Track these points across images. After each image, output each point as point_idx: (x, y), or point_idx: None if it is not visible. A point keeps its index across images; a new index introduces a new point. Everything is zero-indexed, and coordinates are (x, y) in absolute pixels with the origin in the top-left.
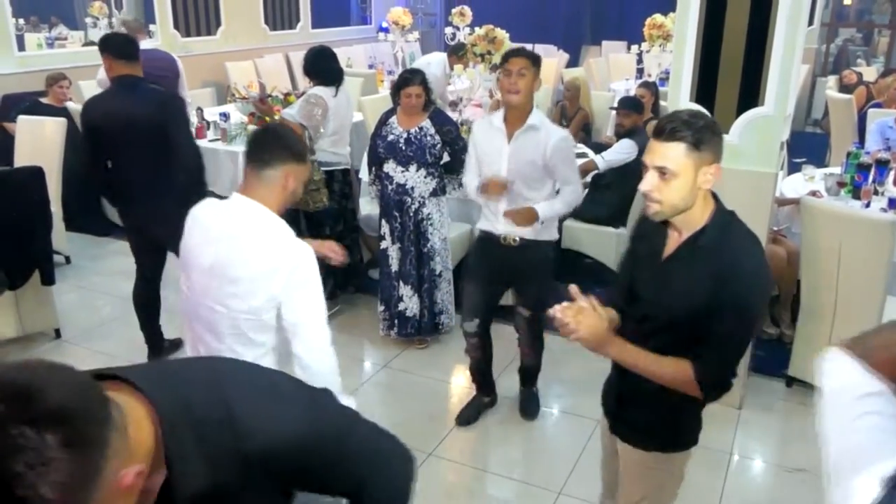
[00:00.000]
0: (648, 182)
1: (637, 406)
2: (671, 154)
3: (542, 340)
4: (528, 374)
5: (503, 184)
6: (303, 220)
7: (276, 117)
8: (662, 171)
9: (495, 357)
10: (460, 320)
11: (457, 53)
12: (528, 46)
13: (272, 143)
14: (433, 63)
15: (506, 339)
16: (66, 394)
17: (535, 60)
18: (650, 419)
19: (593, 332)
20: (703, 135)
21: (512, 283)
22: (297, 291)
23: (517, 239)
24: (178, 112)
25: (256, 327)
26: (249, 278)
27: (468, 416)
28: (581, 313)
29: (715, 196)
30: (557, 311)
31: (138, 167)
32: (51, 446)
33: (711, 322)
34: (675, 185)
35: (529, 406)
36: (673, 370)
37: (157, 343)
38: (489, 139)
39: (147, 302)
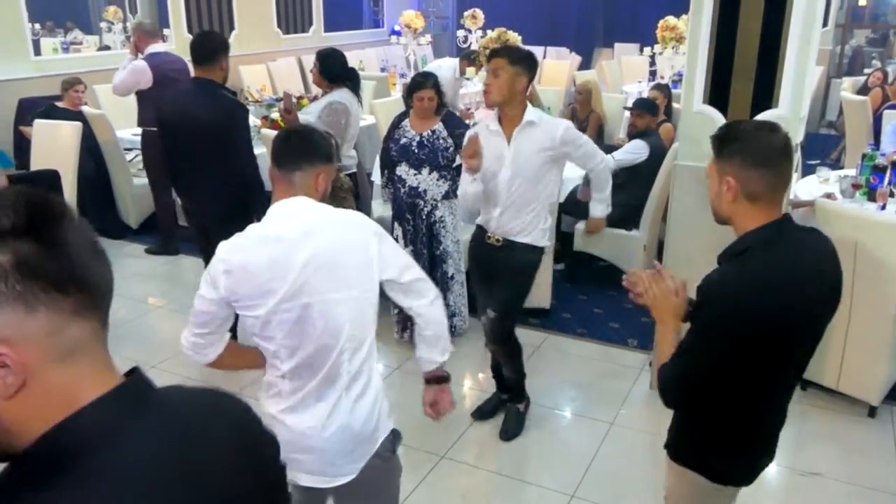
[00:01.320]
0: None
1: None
2: (711, 156)
3: (513, 347)
4: (509, 387)
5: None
6: None
7: None
8: (707, 171)
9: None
10: (479, 316)
11: (469, 58)
12: (541, 49)
13: (300, 145)
14: (444, 67)
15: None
16: None
17: (516, 59)
18: (672, 422)
19: (659, 301)
20: (721, 146)
21: (491, 280)
22: (390, 251)
23: (500, 240)
24: (242, 120)
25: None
26: (354, 261)
27: (484, 410)
28: (655, 281)
29: (780, 218)
30: (633, 272)
31: (199, 167)
32: None
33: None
34: (710, 187)
35: (509, 425)
36: (668, 348)
37: None
38: (489, 144)
39: None
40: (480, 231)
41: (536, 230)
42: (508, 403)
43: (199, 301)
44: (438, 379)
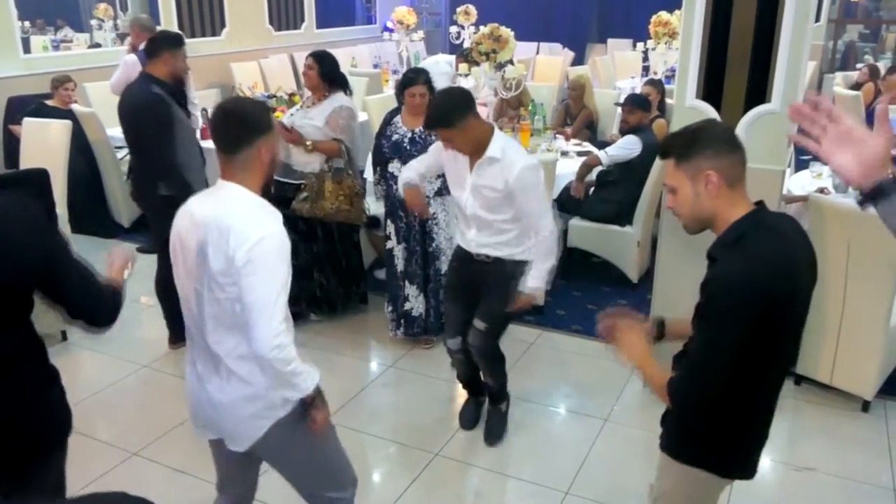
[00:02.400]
0: (668, 200)
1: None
2: (667, 170)
3: (497, 361)
4: (492, 395)
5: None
6: (300, 224)
7: (308, 144)
8: (668, 188)
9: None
10: (446, 339)
11: (464, 55)
12: (533, 45)
13: (235, 124)
14: (441, 62)
15: (510, 338)
16: None
17: (449, 122)
18: (669, 422)
19: (631, 352)
20: (688, 148)
21: (479, 293)
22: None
23: (489, 256)
24: (154, 115)
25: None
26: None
27: (469, 417)
28: (625, 332)
29: (759, 204)
30: (603, 323)
31: (134, 159)
32: None
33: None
34: (680, 198)
35: (494, 427)
36: (662, 374)
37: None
38: (454, 158)
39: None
40: (463, 252)
41: (521, 246)
42: (490, 406)
43: None
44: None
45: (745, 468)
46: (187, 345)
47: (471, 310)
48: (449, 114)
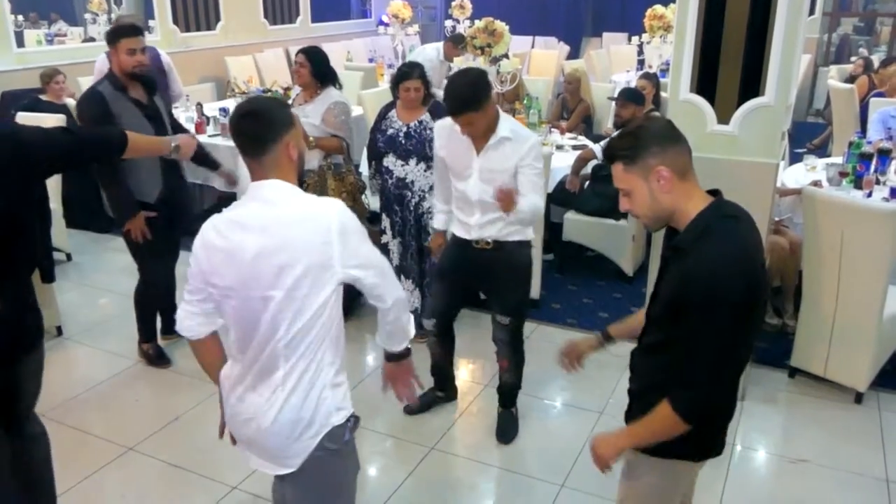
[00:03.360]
0: (622, 203)
1: (639, 404)
2: (616, 174)
3: (522, 354)
4: (509, 394)
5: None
6: None
7: (311, 141)
8: (622, 191)
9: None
10: (426, 317)
11: (455, 44)
12: (529, 38)
13: (257, 123)
14: (428, 49)
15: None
16: None
17: (477, 104)
18: (636, 418)
19: (602, 447)
20: (633, 150)
21: (486, 287)
22: (353, 249)
23: (490, 242)
24: (83, 112)
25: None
26: (305, 262)
27: (416, 405)
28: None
29: (717, 195)
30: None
31: None
32: None
33: (681, 338)
34: (636, 200)
35: (509, 429)
36: (652, 416)
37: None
38: (456, 145)
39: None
40: (461, 240)
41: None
42: (503, 409)
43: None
44: (397, 356)
45: (716, 447)
46: (232, 364)
47: (458, 296)
48: (476, 95)
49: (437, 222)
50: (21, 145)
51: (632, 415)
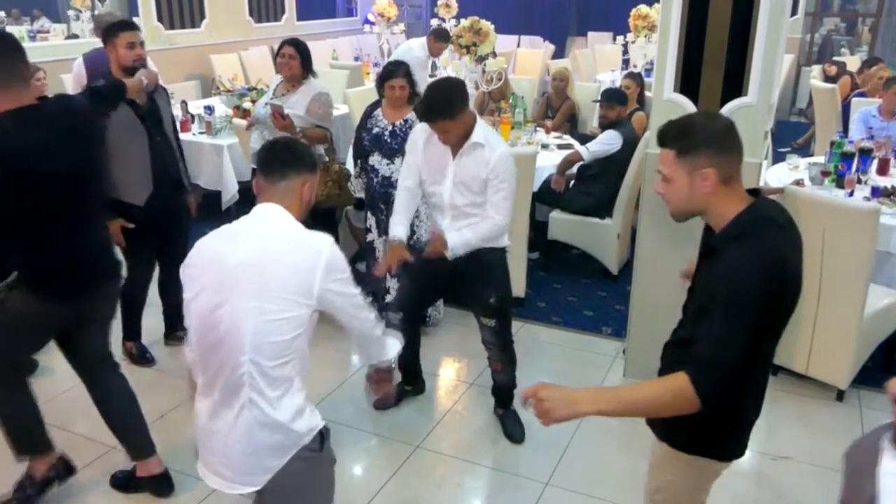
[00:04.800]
0: (657, 184)
1: None
2: (664, 158)
3: (512, 353)
4: (506, 395)
5: (442, 244)
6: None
7: (298, 131)
8: (663, 176)
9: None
10: (388, 310)
11: (438, 38)
12: (514, 38)
13: (286, 155)
14: (414, 48)
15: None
16: None
17: (452, 112)
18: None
19: (554, 401)
20: (688, 143)
21: (462, 291)
22: (335, 289)
23: None
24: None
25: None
26: (287, 277)
27: (386, 401)
28: (540, 391)
29: (756, 194)
30: (529, 402)
31: None
32: None
33: (703, 321)
34: (673, 188)
35: (514, 429)
36: (663, 385)
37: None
38: (434, 149)
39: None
40: None
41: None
42: (504, 409)
43: None
44: (378, 371)
45: (742, 449)
46: (201, 376)
47: (426, 293)
48: (451, 105)
49: (398, 231)
50: (86, 115)
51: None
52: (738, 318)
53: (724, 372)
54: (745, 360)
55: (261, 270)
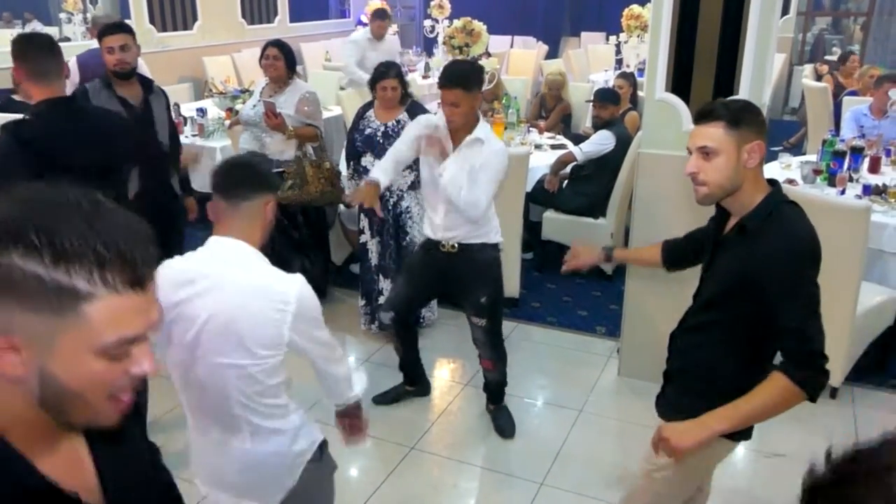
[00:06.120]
0: (693, 164)
1: (674, 384)
2: (711, 132)
3: (503, 351)
4: (496, 392)
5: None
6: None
7: (290, 130)
8: (705, 151)
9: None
10: (382, 311)
11: (375, 17)
12: (507, 38)
13: (247, 174)
14: (355, 34)
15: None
16: None
17: (468, 85)
18: (682, 397)
19: (679, 434)
20: (741, 114)
21: (455, 290)
22: (304, 332)
23: (455, 245)
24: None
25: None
26: (251, 331)
27: (385, 398)
28: (663, 431)
29: (774, 183)
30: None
31: None
32: None
33: (776, 319)
34: (718, 163)
35: (505, 425)
36: (768, 390)
37: None
38: (433, 141)
39: None
40: (430, 241)
41: (487, 226)
42: (494, 406)
43: None
44: (347, 410)
45: (749, 430)
46: (192, 418)
47: (419, 294)
48: (470, 77)
49: (377, 174)
50: (120, 120)
51: (665, 397)
52: (810, 295)
53: (817, 359)
54: (822, 335)
55: (229, 328)
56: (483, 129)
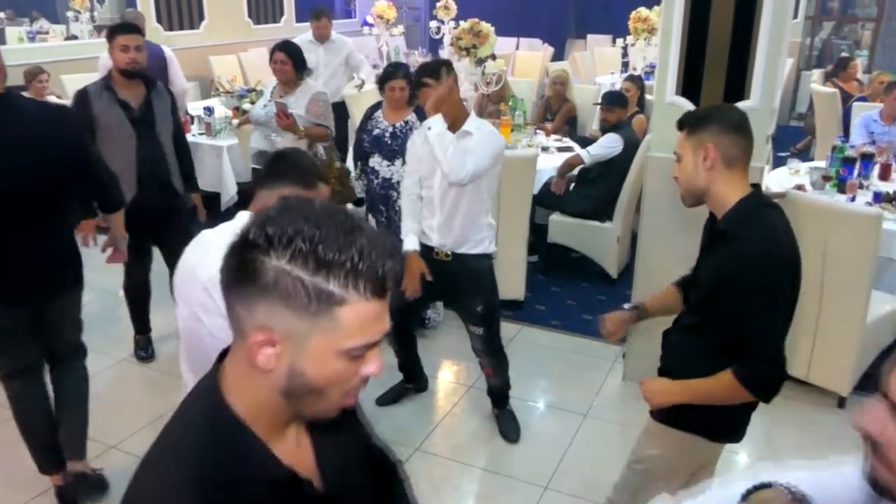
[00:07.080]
0: (673, 168)
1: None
2: (679, 139)
3: (503, 356)
4: (499, 396)
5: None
6: None
7: (302, 130)
8: (677, 157)
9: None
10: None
11: (311, 18)
12: (513, 40)
13: (288, 167)
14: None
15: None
16: None
17: (440, 73)
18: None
19: (651, 393)
20: (700, 121)
21: (450, 299)
22: None
23: (449, 253)
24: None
25: None
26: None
27: (387, 398)
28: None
29: (756, 186)
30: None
31: None
32: None
33: (740, 318)
34: (682, 167)
35: (510, 428)
36: (716, 381)
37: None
38: (425, 149)
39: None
40: (425, 248)
41: (482, 235)
42: (499, 409)
43: None
44: None
45: (736, 433)
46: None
47: (416, 303)
48: (436, 66)
49: (410, 243)
50: (64, 120)
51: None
52: (775, 298)
53: (767, 362)
54: (782, 341)
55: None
56: (472, 122)
